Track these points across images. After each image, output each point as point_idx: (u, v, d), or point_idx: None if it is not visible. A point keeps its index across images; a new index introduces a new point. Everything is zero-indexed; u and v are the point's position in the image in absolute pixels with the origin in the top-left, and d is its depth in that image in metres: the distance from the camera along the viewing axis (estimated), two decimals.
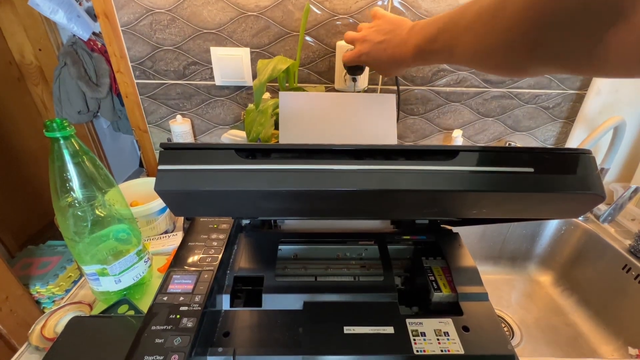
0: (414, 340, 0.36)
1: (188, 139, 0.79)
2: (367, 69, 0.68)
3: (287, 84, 0.62)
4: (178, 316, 0.33)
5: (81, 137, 1.72)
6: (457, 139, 0.81)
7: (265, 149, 0.25)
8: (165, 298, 0.36)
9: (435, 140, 0.86)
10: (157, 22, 0.70)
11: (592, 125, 0.81)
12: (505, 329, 0.76)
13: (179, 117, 0.77)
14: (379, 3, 0.69)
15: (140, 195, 0.70)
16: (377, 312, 0.39)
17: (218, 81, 0.75)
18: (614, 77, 0.23)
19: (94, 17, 1.35)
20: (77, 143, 0.41)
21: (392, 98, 0.49)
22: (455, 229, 0.51)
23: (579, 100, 0.80)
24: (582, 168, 0.25)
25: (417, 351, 0.35)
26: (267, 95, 0.74)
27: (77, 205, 0.42)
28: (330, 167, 0.24)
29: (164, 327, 0.32)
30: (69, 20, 1.28)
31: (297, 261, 0.49)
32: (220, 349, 0.35)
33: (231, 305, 0.40)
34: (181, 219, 0.73)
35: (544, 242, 0.87)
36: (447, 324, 0.38)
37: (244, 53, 0.72)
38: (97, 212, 0.46)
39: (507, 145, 0.87)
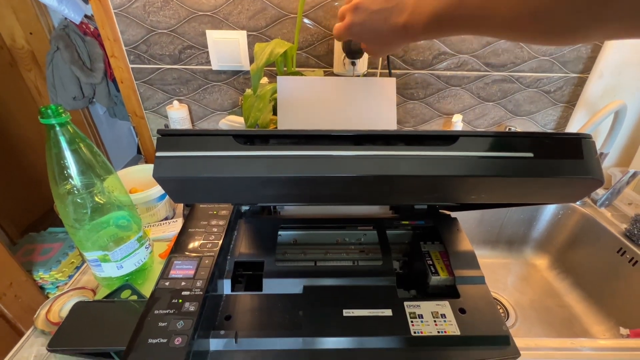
0: (412, 322, 0.37)
1: (185, 125, 0.78)
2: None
3: (285, 69, 0.61)
4: (180, 300, 0.34)
5: (77, 123, 1.70)
6: (457, 123, 0.80)
7: (263, 135, 0.25)
8: (167, 283, 0.36)
9: (435, 125, 0.85)
10: (150, 3, 0.67)
11: (593, 109, 0.81)
12: (501, 310, 0.77)
13: (175, 102, 0.76)
14: None
15: (139, 182, 0.70)
16: (376, 295, 0.40)
17: (215, 66, 0.74)
18: None
19: None
20: (73, 129, 0.40)
21: (392, 82, 0.48)
22: (453, 214, 0.51)
23: (580, 83, 0.79)
24: (582, 153, 0.25)
25: (415, 332, 0.36)
26: (265, 80, 0.73)
27: (76, 192, 0.42)
28: (330, 152, 0.24)
29: (167, 311, 0.33)
30: (60, 2, 1.24)
31: (296, 246, 0.50)
32: (222, 332, 0.35)
33: (232, 290, 0.41)
34: (181, 206, 0.73)
35: (541, 226, 0.88)
36: (444, 306, 0.39)
37: (241, 36, 0.71)
38: (96, 199, 0.46)
39: (507, 130, 0.86)
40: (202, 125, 0.82)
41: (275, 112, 0.55)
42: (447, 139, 0.25)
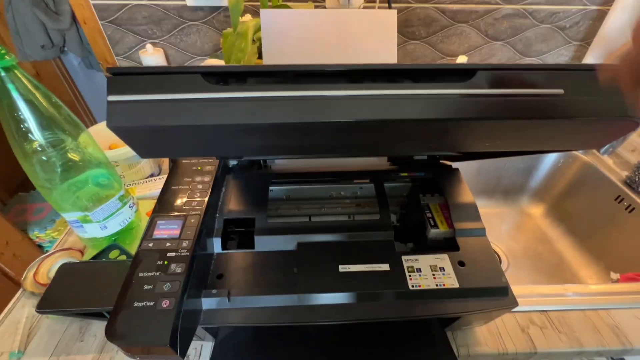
0: (410, 276, 0.36)
1: None
2: None
3: (269, 2, 0.53)
4: (166, 262, 0.32)
5: (50, 76, 1.58)
6: None
7: (239, 72, 0.20)
8: (150, 244, 0.34)
9: None
10: None
11: (609, 48, 0.74)
12: None
13: (149, 46, 0.68)
14: None
15: None
16: (373, 250, 0.38)
17: (190, 1, 0.64)
18: None
19: None
20: (24, 76, 0.35)
21: (393, 14, 0.41)
22: (455, 165, 0.48)
23: (600, 18, 0.71)
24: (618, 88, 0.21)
25: (412, 286, 0.35)
26: (248, 17, 0.64)
27: (39, 149, 0.38)
28: (321, 93, 0.20)
29: (152, 273, 0.31)
30: None
31: (290, 202, 0.47)
32: (214, 291, 0.34)
33: (224, 248, 0.39)
34: (167, 161, 0.69)
35: (539, 175, 0.87)
36: (443, 259, 0.38)
37: None
38: (69, 155, 0.42)
39: None
40: None
41: (261, 55, 0.49)
42: (463, 73, 0.20)
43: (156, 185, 0.61)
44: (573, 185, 0.81)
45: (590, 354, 0.44)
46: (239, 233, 0.43)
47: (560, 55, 0.77)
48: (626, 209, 0.69)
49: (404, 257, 0.38)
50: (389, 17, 0.41)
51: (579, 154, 0.79)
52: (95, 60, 1.50)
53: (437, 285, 0.35)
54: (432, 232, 0.41)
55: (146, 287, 0.30)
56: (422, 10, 0.69)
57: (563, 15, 0.71)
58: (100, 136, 0.50)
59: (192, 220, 0.36)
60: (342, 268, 0.36)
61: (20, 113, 0.35)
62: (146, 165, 0.63)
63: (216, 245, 0.39)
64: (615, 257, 0.69)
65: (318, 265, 0.37)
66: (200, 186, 0.40)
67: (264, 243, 0.38)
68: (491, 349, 0.43)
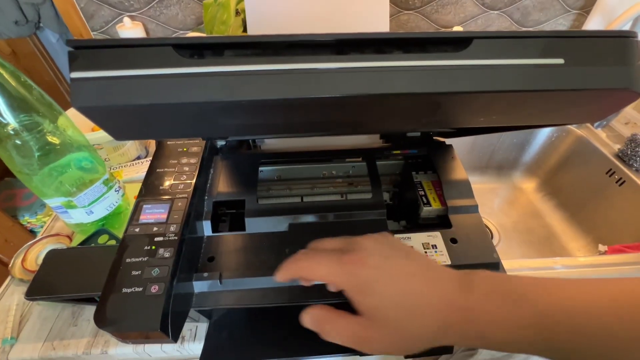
0: None
1: None
2: None
3: None
4: (153, 247, 0.31)
5: (28, 54, 1.49)
6: None
7: (215, 44, 0.18)
8: (137, 229, 0.33)
9: None
10: None
11: (609, 17, 0.72)
12: None
13: (126, 20, 0.64)
14: None
15: None
16: (365, 229, 0.37)
17: None
18: None
19: None
20: None
21: None
22: (448, 141, 0.47)
23: None
24: (624, 57, 0.20)
25: None
26: None
27: (12, 133, 0.36)
28: (306, 66, 0.18)
29: (140, 259, 0.30)
30: None
31: (281, 182, 0.46)
32: (205, 274, 0.34)
33: (214, 231, 0.38)
34: (153, 143, 0.67)
35: (532, 150, 0.86)
36: (435, 237, 0.38)
37: None
38: (49, 139, 0.40)
39: None
40: None
41: (246, 29, 0.46)
42: (457, 42, 0.19)
43: (143, 168, 0.60)
44: (566, 159, 0.81)
45: None
46: (230, 215, 0.42)
47: (558, 25, 0.75)
48: (617, 182, 0.69)
49: (396, 236, 0.37)
50: None
51: (573, 127, 0.79)
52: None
53: None
54: (425, 210, 0.41)
55: (134, 272, 0.29)
56: None
57: None
58: (82, 118, 0.47)
59: (180, 204, 0.35)
60: None
61: None
62: (132, 147, 0.61)
63: (206, 228, 0.38)
64: (604, 230, 0.71)
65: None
66: (186, 168, 0.39)
67: (255, 225, 0.38)
68: None
